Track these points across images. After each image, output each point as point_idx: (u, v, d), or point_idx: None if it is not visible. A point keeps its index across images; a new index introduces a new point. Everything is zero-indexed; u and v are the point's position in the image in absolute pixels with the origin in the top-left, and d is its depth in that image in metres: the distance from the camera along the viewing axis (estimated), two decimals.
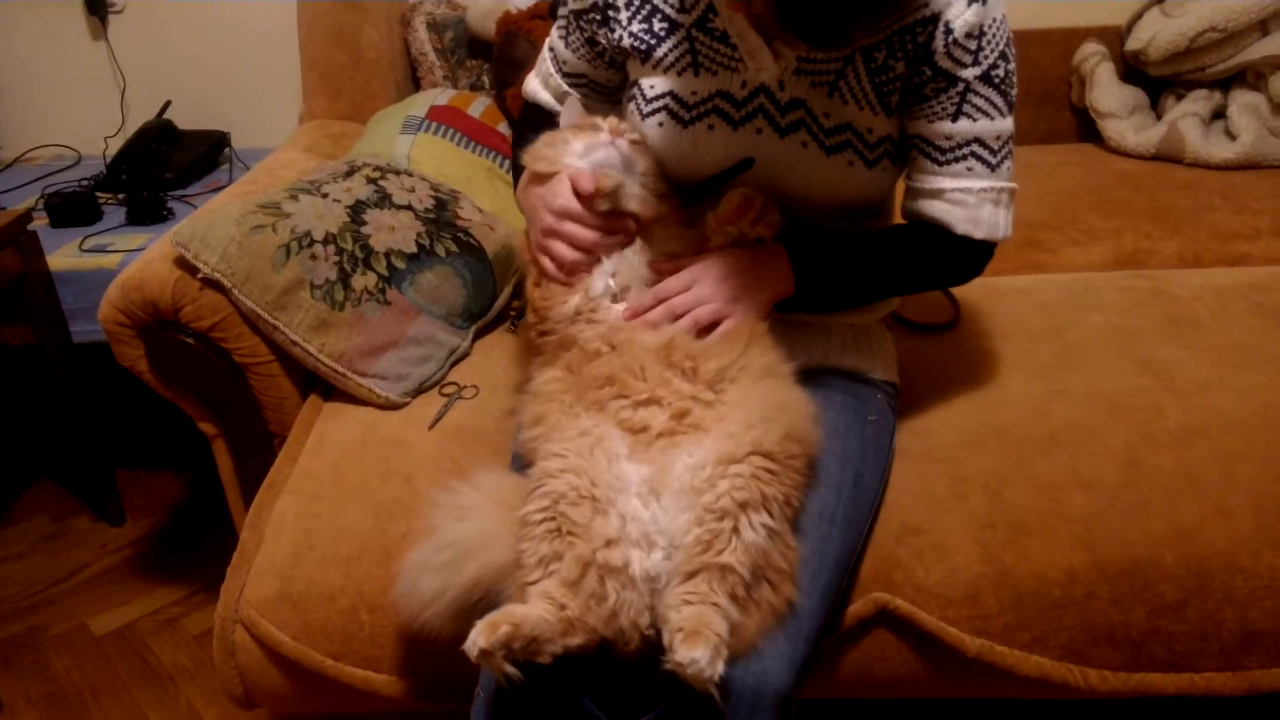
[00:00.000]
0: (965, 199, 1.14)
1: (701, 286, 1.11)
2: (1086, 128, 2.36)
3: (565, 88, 1.27)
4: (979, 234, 1.16)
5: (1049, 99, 2.38)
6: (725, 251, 1.13)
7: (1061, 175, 2.12)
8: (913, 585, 1.18)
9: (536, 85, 1.31)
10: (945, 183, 1.14)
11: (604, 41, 1.19)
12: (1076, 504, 1.21)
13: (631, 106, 1.19)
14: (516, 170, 1.26)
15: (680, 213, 1.18)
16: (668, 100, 1.16)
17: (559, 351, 1.13)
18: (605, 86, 1.26)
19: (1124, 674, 1.19)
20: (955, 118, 1.11)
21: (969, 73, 1.09)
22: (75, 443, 2.04)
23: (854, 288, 1.20)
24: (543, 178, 1.16)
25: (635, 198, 1.13)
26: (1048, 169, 2.15)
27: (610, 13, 1.17)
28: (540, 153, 1.17)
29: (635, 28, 1.16)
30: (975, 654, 1.17)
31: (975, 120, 1.11)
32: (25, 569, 2.02)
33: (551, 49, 1.27)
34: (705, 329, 1.10)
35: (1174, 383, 1.37)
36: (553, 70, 1.27)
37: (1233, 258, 1.82)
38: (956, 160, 1.13)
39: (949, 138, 1.12)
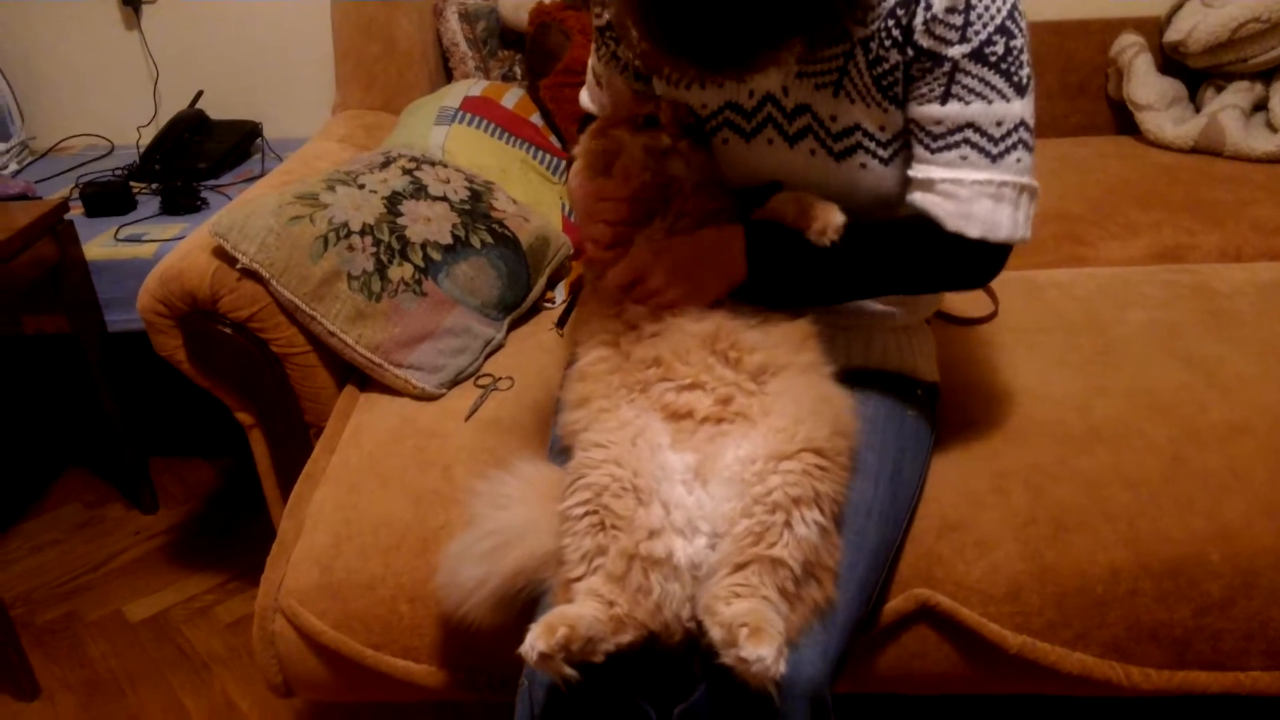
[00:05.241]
0: (956, 191, 1.05)
1: (653, 278, 1.09)
2: (1124, 120, 2.33)
3: (605, 101, 1.27)
4: (973, 232, 1.05)
5: (1085, 90, 2.35)
6: (684, 236, 1.10)
7: (1099, 168, 2.09)
8: (953, 581, 1.17)
9: (586, 98, 1.33)
10: (936, 172, 1.06)
11: (623, 57, 1.19)
12: (1120, 500, 1.20)
13: None
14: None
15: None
16: None
17: (609, 319, 1.12)
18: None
19: (1168, 672, 1.18)
20: (944, 100, 1.03)
21: (956, 50, 1.01)
22: (109, 431, 2.05)
23: (822, 281, 1.10)
24: (592, 168, 1.16)
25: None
26: (1085, 162, 2.12)
27: (622, 30, 1.16)
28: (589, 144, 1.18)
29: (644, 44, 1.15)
30: (1017, 651, 1.16)
31: (967, 103, 1.02)
32: (60, 556, 2.03)
33: (590, 63, 1.29)
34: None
35: (1217, 378, 1.36)
36: (592, 82, 1.29)
37: (1275, 252, 1.79)
38: (949, 148, 1.04)
39: (938, 122, 1.04)
